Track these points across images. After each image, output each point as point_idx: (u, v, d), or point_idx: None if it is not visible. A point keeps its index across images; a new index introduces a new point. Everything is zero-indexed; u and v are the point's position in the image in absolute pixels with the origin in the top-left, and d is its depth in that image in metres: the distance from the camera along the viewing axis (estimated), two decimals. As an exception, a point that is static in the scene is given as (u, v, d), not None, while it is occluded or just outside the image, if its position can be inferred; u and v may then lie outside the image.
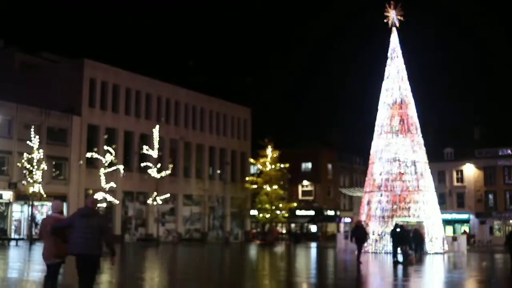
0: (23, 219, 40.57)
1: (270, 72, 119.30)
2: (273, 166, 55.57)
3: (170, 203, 51.65)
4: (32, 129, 37.72)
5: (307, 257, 33.94)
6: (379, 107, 37.97)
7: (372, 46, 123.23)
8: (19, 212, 40.69)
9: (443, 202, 59.34)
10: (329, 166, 70.43)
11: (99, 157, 41.93)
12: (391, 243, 25.84)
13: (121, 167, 43.43)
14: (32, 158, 36.44)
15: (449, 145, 67.17)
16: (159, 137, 46.30)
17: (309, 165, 68.77)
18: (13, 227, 40.10)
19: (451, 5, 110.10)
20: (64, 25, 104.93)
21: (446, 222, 52.56)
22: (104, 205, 42.16)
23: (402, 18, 38.02)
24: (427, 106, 72.12)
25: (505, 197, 64.75)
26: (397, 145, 36.49)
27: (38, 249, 31.41)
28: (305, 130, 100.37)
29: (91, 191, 42.22)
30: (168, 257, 29.44)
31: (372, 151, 37.86)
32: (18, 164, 37.13)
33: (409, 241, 27.24)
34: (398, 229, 25.34)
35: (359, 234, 24.09)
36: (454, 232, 61.45)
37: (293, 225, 67.22)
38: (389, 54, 38.30)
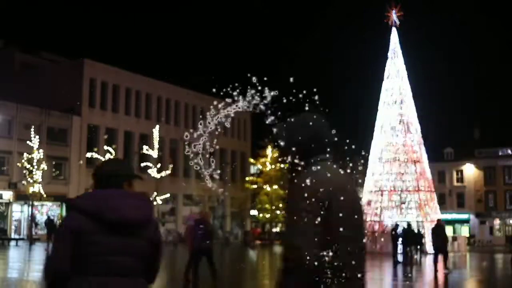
0: (23, 219, 40.57)
1: (269, 72, 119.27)
2: (273, 166, 55.55)
3: (170, 203, 51.63)
4: (32, 129, 37.71)
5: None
6: (379, 107, 37.98)
7: (372, 46, 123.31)
8: (19, 212, 40.69)
9: (443, 202, 59.31)
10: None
11: (99, 157, 41.91)
12: (391, 243, 25.85)
13: (121, 167, 43.37)
14: (32, 158, 36.44)
15: (449, 145, 67.12)
16: (159, 137, 46.30)
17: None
18: (13, 227, 40.12)
19: (452, 5, 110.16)
20: (64, 25, 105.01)
21: (446, 222, 52.47)
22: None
23: (402, 18, 38.09)
24: (427, 106, 72.17)
25: (505, 197, 64.73)
26: (397, 145, 36.49)
27: (38, 249, 31.41)
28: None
29: (90, 191, 42.19)
30: (167, 258, 29.42)
31: (372, 151, 37.85)
32: (18, 164, 37.13)
33: (409, 240, 27.24)
34: (397, 229, 25.35)
35: (440, 235, 19.83)
36: (454, 232, 61.47)
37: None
38: (389, 54, 38.31)
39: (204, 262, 12.96)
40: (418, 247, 30.32)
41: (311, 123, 2.65)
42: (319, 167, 2.51)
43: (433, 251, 20.03)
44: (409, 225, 26.57)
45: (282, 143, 2.68)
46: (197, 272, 12.93)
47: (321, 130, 2.65)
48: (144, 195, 2.92)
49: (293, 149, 2.61)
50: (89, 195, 2.85)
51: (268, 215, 55.40)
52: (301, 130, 2.64)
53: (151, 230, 2.80)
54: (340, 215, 2.42)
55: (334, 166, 2.64)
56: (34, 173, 36.30)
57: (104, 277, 2.64)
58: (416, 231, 31.19)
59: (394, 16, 37.81)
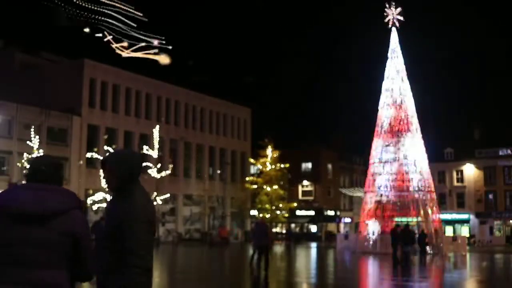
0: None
1: (270, 72, 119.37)
2: (273, 166, 55.57)
3: (170, 203, 51.62)
4: (32, 129, 37.70)
5: (307, 257, 33.91)
6: (379, 107, 38.00)
7: (372, 46, 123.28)
8: (19, 212, 40.65)
9: (443, 202, 59.28)
10: (329, 166, 70.43)
11: (99, 157, 41.93)
12: (391, 243, 25.82)
13: (121, 167, 43.30)
14: (32, 158, 36.35)
15: (449, 145, 67.12)
16: (159, 137, 46.27)
17: (309, 165, 68.77)
18: (13, 227, 40.10)
19: (452, 5, 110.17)
20: (64, 25, 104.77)
21: (446, 222, 52.58)
22: (104, 205, 42.14)
23: (402, 18, 38.05)
24: (427, 106, 72.09)
25: (505, 197, 64.72)
26: (397, 145, 36.51)
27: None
28: (305, 130, 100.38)
29: (90, 191, 42.27)
30: (169, 257, 29.41)
31: (372, 151, 37.87)
32: (18, 164, 37.12)
33: (409, 241, 27.20)
34: (398, 229, 25.34)
35: None
36: (454, 232, 61.48)
37: (293, 225, 67.23)
38: (389, 54, 38.30)
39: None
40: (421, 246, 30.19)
41: (131, 159, 3.31)
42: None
43: None
44: (397, 225, 26.49)
45: (112, 170, 3.23)
46: (252, 263, 17.58)
47: (137, 166, 3.30)
48: (62, 189, 2.92)
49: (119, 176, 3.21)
50: (4, 190, 2.97)
51: (268, 215, 55.40)
52: (127, 163, 3.25)
53: (64, 223, 2.78)
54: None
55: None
56: (34, 173, 36.16)
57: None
58: (416, 231, 31.21)
59: (394, 16, 37.80)
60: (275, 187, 55.09)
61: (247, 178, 58.06)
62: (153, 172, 44.62)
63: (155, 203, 45.07)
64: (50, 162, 3.05)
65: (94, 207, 41.84)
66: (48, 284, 2.73)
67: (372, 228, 35.35)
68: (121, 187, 3.20)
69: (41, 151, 37.12)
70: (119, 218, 3.07)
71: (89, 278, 2.97)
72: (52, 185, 2.90)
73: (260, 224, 18.21)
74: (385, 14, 37.77)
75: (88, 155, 42.68)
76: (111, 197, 3.32)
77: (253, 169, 61.77)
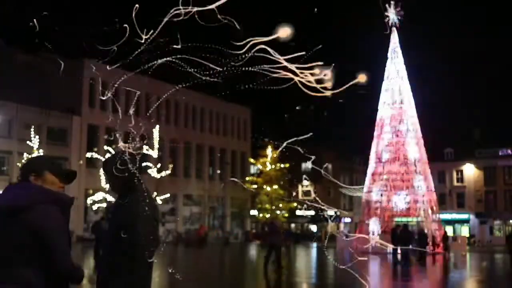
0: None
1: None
2: (273, 166, 55.55)
3: (170, 203, 51.60)
4: (32, 129, 37.70)
5: (307, 257, 33.88)
6: (379, 107, 38.00)
7: (372, 46, 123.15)
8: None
9: (443, 202, 59.28)
10: (329, 166, 70.42)
11: (99, 157, 41.92)
12: (392, 243, 25.82)
13: (121, 167, 43.26)
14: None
15: (449, 145, 67.12)
16: (159, 137, 46.17)
17: (309, 165, 68.73)
18: (13, 227, 40.06)
19: (452, 5, 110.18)
20: (64, 24, 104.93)
21: (446, 222, 52.57)
22: (104, 205, 42.18)
23: (402, 18, 38.03)
24: (427, 106, 72.09)
25: (505, 197, 64.72)
26: (397, 145, 36.52)
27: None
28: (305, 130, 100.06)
29: (90, 191, 42.26)
30: (169, 258, 29.38)
31: (372, 151, 37.87)
32: (18, 164, 37.05)
33: (409, 241, 27.20)
34: (398, 229, 25.35)
35: None
36: (454, 232, 61.49)
37: (293, 225, 67.22)
38: (389, 54, 38.30)
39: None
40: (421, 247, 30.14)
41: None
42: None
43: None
44: (397, 225, 26.53)
45: (113, 179, 3.37)
46: (267, 263, 17.43)
47: (137, 168, 3.40)
48: (28, 184, 2.90)
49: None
50: None
51: (268, 215, 55.38)
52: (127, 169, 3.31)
53: (26, 218, 2.73)
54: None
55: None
56: (34, 173, 36.12)
57: None
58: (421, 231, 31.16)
59: (394, 16, 37.77)
60: (275, 187, 55.07)
61: (247, 178, 58.06)
62: (153, 172, 44.58)
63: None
64: (25, 161, 3.13)
65: (94, 207, 41.86)
66: (22, 283, 2.68)
67: (372, 228, 35.34)
68: (124, 190, 3.24)
69: (41, 151, 37.13)
70: (123, 221, 3.07)
71: (67, 273, 2.83)
72: (23, 183, 2.91)
73: (272, 223, 19.18)
74: (385, 14, 37.76)
75: (88, 155, 42.65)
76: (115, 199, 3.35)
77: (253, 169, 61.77)
